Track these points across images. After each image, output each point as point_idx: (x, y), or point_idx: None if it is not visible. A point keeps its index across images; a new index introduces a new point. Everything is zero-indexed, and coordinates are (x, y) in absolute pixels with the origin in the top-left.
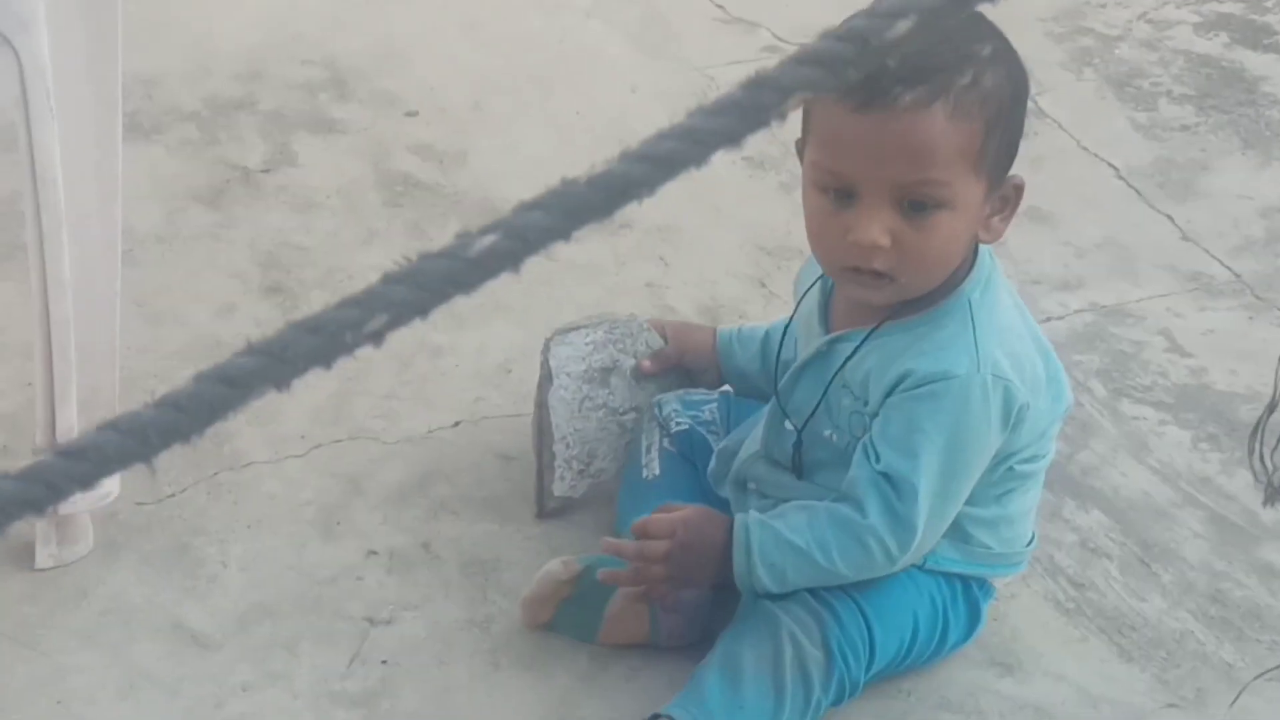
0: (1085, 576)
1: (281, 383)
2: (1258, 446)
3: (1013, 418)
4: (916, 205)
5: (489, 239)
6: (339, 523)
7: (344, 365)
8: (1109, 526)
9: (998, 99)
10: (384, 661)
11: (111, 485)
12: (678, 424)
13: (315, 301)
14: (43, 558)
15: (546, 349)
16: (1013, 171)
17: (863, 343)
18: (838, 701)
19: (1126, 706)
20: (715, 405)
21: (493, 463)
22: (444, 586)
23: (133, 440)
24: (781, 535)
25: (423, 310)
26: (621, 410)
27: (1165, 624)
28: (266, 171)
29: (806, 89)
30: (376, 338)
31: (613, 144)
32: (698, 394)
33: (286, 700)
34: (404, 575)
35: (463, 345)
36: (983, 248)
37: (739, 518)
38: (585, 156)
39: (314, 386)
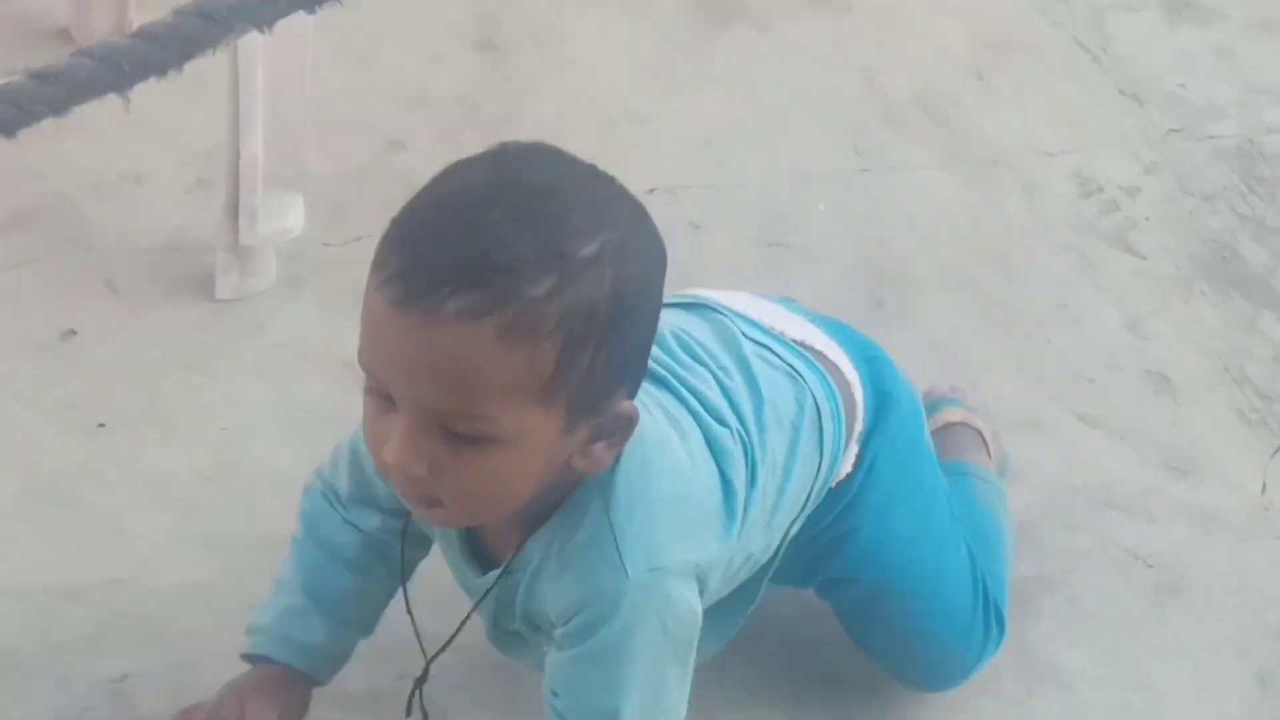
0: (1274, 389)
1: (262, 21)
2: None
3: (699, 587)
4: (458, 436)
5: None
6: None
7: (547, 124)
8: None
9: (587, 314)
10: None
11: (296, 222)
12: None
13: (524, 60)
14: (223, 288)
15: None
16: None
17: (509, 573)
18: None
19: None
20: None
21: (683, 231)
22: None
23: (106, 68)
24: None
25: None
26: None
27: None
28: None
29: None
30: None
31: None
32: None
33: None
34: None
35: (668, 113)
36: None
37: None
38: None
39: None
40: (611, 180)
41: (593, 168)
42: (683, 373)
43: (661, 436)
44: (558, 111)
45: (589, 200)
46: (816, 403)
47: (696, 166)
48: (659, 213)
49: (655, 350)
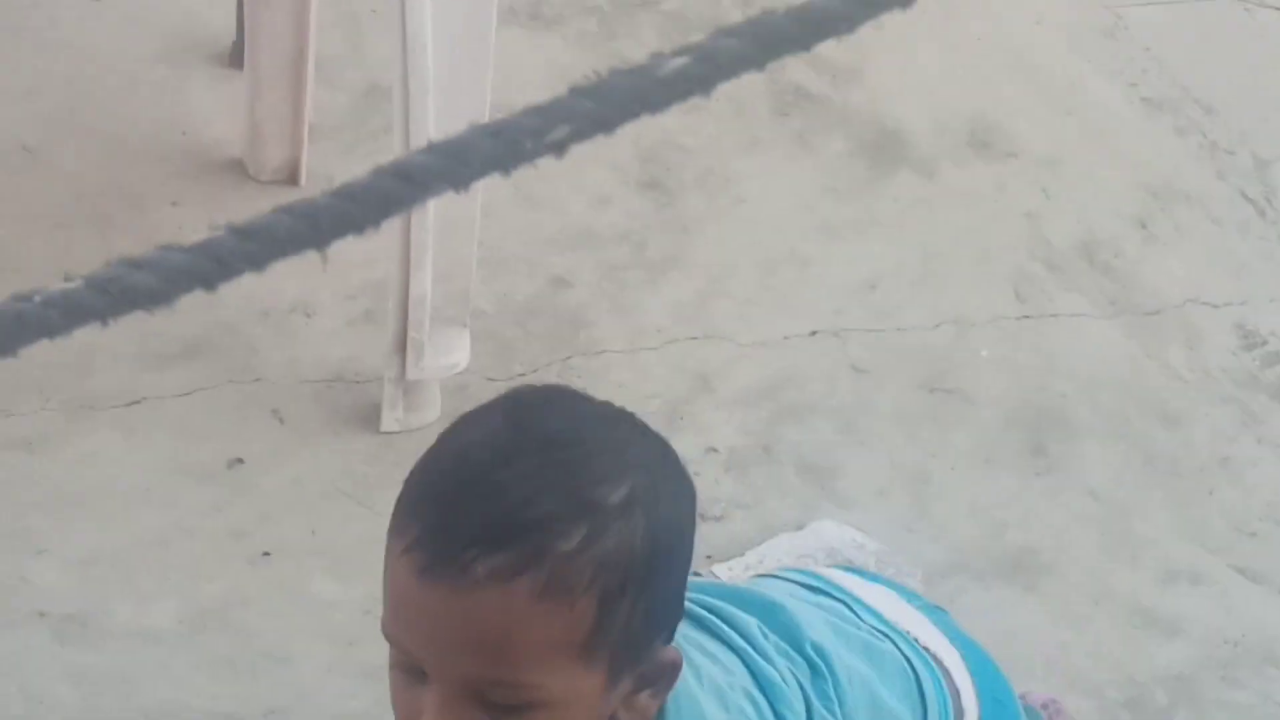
0: None
1: (459, 183)
2: None
3: None
4: (497, 706)
5: (680, 61)
6: (683, 417)
7: (711, 265)
8: None
9: (623, 563)
10: (708, 556)
11: (462, 357)
12: None
13: (690, 201)
14: (389, 421)
15: None
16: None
17: None
18: None
19: None
20: None
21: (846, 375)
22: (779, 489)
23: (304, 225)
24: None
25: (607, 126)
26: None
27: None
28: None
29: None
30: (558, 148)
31: (1007, 73)
32: None
33: None
34: (741, 475)
35: (832, 256)
36: None
37: None
38: (981, 83)
39: (678, 283)
40: (631, 418)
41: (610, 406)
42: (732, 615)
43: (692, 666)
44: (722, 252)
45: (611, 443)
46: (924, 699)
47: (860, 310)
48: (822, 355)
49: (711, 602)
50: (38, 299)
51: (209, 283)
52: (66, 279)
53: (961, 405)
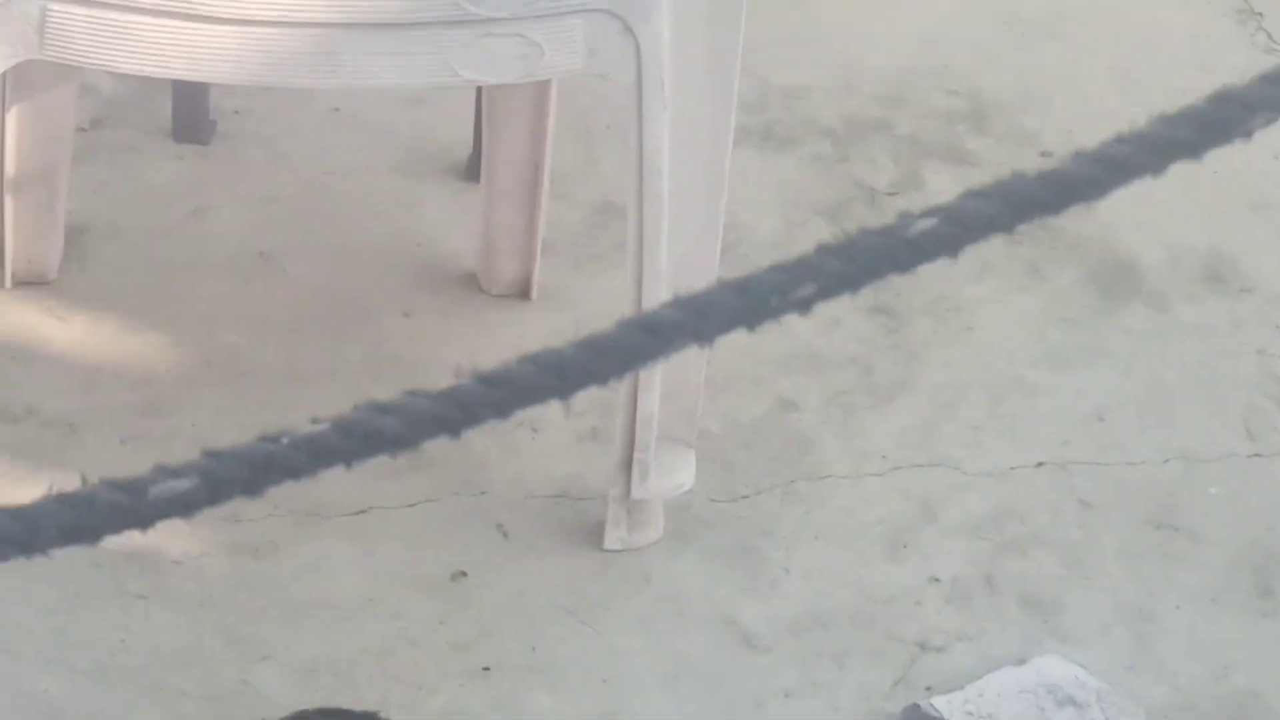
0: None
1: (703, 338)
2: None
3: None
4: None
5: (929, 222)
6: (905, 545)
7: (939, 392)
8: None
9: None
10: (928, 688)
11: (687, 478)
12: None
13: (919, 328)
14: (612, 540)
15: None
16: None
17: None
18: None
19: None
20: None
21: (1072, 508)
22: (1000, 622)
23: (549, 376)
24: None
25: (853, 284)
26: None
27: None
28: (892, 194)
29: (1272, 109)
30: (803, 305)
31: (1245, 208)
32: None
33: (827, 712)
34: (962, 606)
35: (1060, 387)
36: None
37: None
38: (1217, 217)
39: (905, 409)
40: None
41: None
42: None
43: None
44: (950, 379)
45: None
46: None
47: (1087, 442)
48: (1048, 487)
49: None
50: (285, 441)
51: (454, 429)
52: (314, 421)
53: (1188, 543)
